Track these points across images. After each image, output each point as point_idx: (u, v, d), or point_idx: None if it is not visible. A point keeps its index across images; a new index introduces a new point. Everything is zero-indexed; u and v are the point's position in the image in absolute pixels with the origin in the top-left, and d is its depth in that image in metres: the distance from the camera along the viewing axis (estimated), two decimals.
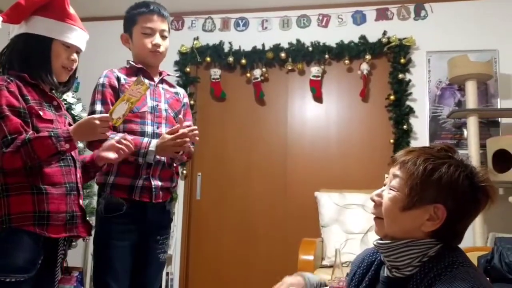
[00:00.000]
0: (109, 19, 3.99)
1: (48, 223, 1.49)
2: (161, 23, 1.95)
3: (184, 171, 3.88)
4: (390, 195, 1.11)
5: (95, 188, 3.73)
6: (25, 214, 1.45)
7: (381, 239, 1.14)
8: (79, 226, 1.61)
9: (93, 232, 1.83)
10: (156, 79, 2.00)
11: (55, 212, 1.51)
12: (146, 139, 1.81)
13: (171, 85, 2.09)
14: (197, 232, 3.90)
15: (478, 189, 1.05)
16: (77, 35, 1.65)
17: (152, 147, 1.78)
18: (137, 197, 1.82)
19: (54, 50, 1.61)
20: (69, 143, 1.48)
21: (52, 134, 1.46)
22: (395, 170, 1.12)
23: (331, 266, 2.39)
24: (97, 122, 1.52)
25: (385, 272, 1.14)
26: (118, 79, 1.89)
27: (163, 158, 1.88)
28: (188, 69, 3.94)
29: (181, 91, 2.12)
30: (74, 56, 1.67)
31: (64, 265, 3.30)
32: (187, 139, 1.80)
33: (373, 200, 1.16)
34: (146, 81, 1.94)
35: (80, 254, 3.82)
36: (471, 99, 3.30)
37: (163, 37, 1.96)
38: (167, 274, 3.64)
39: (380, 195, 1.14)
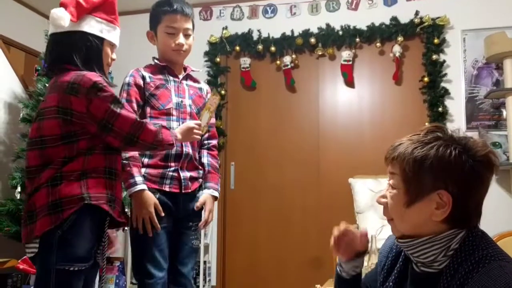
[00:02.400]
0: (135, 13, 4.05)
1: (115, 206, 1.60)
2: (185, 22, 1.97)
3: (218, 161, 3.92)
4: (391, 194, 1.08)
5: None
6: (101, 194, 1.56)
7: (401, 237, 1.10)
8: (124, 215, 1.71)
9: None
10: (181, 75, 2.04)
11: (119, 198, 1.64)
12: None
13: (195, 81, 2.12)
14: (233, 221, 3.95)
15: (477, 161, 1.00)
16: (118, 35, 1.76)
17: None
18: (167, 188, 1.89)
19: (104, 49, 1.70)
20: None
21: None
22: (389, 168, 1.09)
23: (367, 253, 2.38)
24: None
25: (413, 267, 1.10)
26: (143, 77, 1.94)
27: (190, 151, 1.95)
28: (218, 59, 3.95)
29: (204, 86, 2.16)
30: (114, 54, 1.77)
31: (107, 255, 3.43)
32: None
33: (379, 203, 1.13)
34: (171, 78, 2.01)
35: (120, 245, 3.94)
36: (510, 78, 3.18)
37: (187, 35, 1.99)
38: (205, 262, 3.72)
39: (384, 196, 1.11)
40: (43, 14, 4.07)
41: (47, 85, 3.01)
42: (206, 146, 2.08)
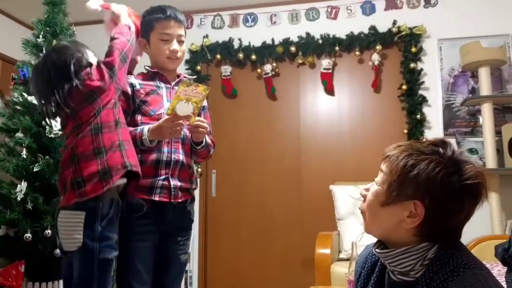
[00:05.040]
0: None
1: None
2: (178, 28, 1.95)
3: (199, 169, 3.91)
4: (373, 190, 1.10)
5: None
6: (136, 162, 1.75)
7: (378, 246, 1.12)
8: None
9: None
10: (173, 82, 2.00)
11: None
12: (138, 129, 1.82)
13: None
14: (214, 229, 3.93)
15: (462, 187, 1.00)
16: None
17: (144, 135, 1.80)
18: (156, 197, 1.83)
19: None
20: None
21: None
22: (381, 164, 1.11)
23: (348, 259, 2.40)
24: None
25: (390, 275, 1.11)
26: (132, 85, 1.91)
27: (181, 158, 1.90)
28: (199, 67, 3.96)
29: None
30: None
31: None
32: (183, 124, 1.81)
33: (361, 194, 1.14)
34: (162, 84, 1.96)
35: None
36: (485, 86, 3.26)
37: (180, 42, 1.97)
38: (186, 271, 3.68)
39: (368, 190, 1.13)
40: (20, 21, 4.01)
41: (24, 94, 2.96)
42: None
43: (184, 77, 2.06)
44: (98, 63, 1.72)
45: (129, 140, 1.75)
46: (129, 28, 1.83)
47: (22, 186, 2.69)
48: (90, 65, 1.72)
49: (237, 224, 3.89)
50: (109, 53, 1.74)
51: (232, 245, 3.87)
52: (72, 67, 1.68)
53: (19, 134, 2.84)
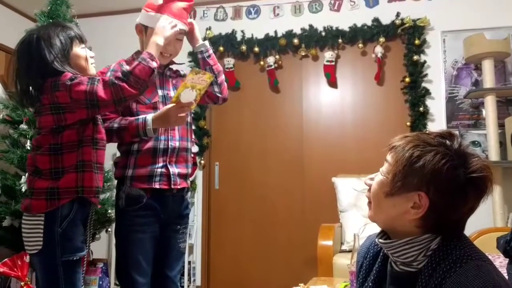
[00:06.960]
0: (111, 14, 4.02)
1: (98, 196, 1.76)
2: (179, 34, 1.91)
3: (202, 161, 3.92)
4: (378, 179, 1.10)
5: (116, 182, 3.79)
6: (92, 188, 1.70)
7: (381, 237, 1.12)
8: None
9: (114, 226, 1.89)
10: (164, 68, 1.98)
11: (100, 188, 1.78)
12: (140, 119, 1.82)
13: (177, 71, 2.07)
14: (217, 221, 3.95)
15: (467, 180, 1.00)
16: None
17: (148, 125, 1.80)
18: (157, 185, 1.85)
19: None
20: None
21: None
22: (387, 155, 1.11)
23: (350, 251, 2.41)
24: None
25: (392, 266, 1.12)
26: None
27: (177, 144, 1.91)
28: None
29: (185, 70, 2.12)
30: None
31: (90, 258, 3.40)
32: (187, 111, 1.84)
33: (366, 184, 1.15)
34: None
35: (104, 246, 3.91)
36: (488, 78, 3.25)
37: (178, 40, 1.93)
38: (189, 263, 3.71)
39: (372, 179, 1.13)
40: (23, 13, 4.01)
41: None
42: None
43: (175, 63, 2.05)
44: (92, 84, 1.58)
45: (89, 161, 1.67)
46: (150, 71, 1.66)
47: (27, 177, 2.71)
48: (62, 74, 1.61)
49: (240, 216, 3.90)
50: (109, 86, 1.59)
51: (235, 237, 3.89)
52: (40, 65, 1.66)
53: (23, 126, 2.86)
